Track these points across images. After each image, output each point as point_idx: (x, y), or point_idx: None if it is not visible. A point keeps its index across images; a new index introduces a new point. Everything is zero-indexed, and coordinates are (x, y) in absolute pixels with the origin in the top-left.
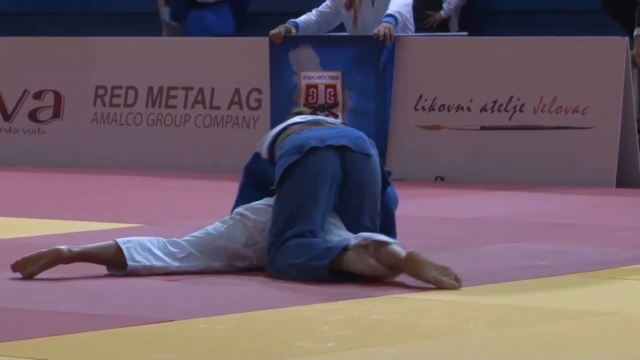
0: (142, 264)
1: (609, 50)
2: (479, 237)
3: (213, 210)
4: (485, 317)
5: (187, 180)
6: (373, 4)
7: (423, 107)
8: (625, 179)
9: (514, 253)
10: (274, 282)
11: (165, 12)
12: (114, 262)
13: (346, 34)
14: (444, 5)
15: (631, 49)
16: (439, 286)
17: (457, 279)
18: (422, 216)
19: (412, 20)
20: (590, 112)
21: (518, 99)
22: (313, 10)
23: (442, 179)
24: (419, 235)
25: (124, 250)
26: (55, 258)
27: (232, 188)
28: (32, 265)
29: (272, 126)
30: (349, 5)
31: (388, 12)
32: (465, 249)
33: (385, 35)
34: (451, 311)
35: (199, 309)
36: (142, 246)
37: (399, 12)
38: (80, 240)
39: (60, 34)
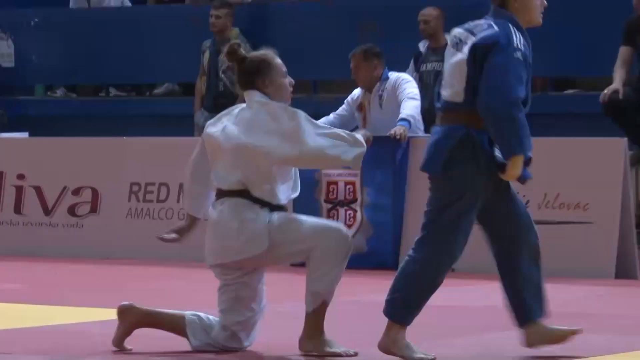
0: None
1: (608, 150)
2: (489, 325)
3: None
4: None
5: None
6: (381, 106)
7: None
8: (624, 271)
9: None
10: None
11: (199, 116)
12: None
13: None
14: None
15: (630, 148)
16: None
17: None
18: (433, 305)
19: (421, 121)
20: (590, 208)
21: (524, 196)
22: (331, 114)
23: (453, 269)
24: (434, 322)
25: (188, 331)
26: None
27: None
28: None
29: None
30: (361, 108)
31: (402, 116)
32: (474, 336)
33: (401, 135)
34: None
35: None
36: (202, 326)
37: (412, 116)
38: (112, 327)
39: (98, 134)
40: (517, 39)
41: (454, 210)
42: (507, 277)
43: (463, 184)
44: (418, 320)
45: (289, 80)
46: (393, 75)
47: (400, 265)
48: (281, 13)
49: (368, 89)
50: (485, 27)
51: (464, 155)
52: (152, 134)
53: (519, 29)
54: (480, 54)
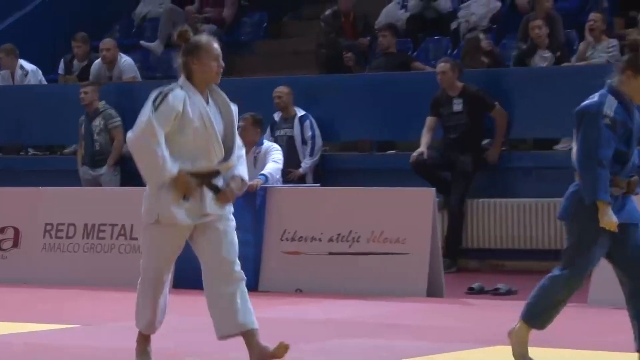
0: None
1: (421, 198)
2: (329, 334)
3: (131, 314)
4: None
5: (114, 292)
6: (255, 165)
7: (287, 238)
8: (433, 291)
9: (358, 346)
10: None
11: (82, 171)
12: None
13: None
14: (302, 165)
15: (437, 197)
16: None
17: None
18: (285, 318)
19: (280, 178)
20: (407, 242)
21: (356, 232)
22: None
23: (301, 291)
24: (280, 334)
25: None
26: None
27: None
28: None
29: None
30: None
31: (262, 172)
32: (318, 342)
33: (253, 186)
34: None
35: None
36: None
37: (270, 173)
38: (36, 338)
39: (19, 185)
40: (610, 107)
41: (581, 247)
42: (632, 308)
43: (585, 229)
44: (275, 331)
45: (218, 64)
46: (267, 142)
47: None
48: (137, 89)
49: (248, 149)
50: (590, 97)
51: (584, 206)
52: (61, 184)
53: (620, 99)
54: (576, 121)
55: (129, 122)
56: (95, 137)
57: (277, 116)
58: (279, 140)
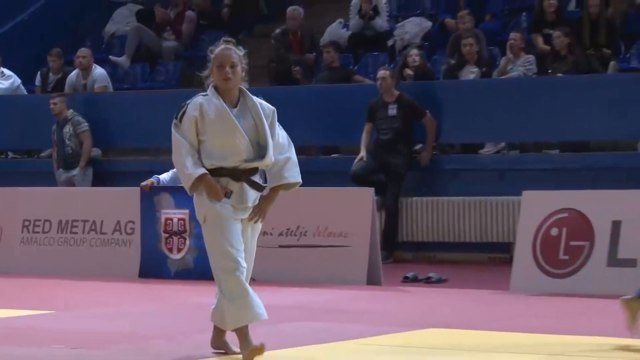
0: None
1: (361, 197)
2: (282, 317)
3: (105, 301)
4: None
5: (86, 282)
6: None
7: None
8: (372, 280)
9: (308, 328)
10: None
11: (58, 174)
12: None
13: None
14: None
15: (376, 196)
16: None
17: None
18: None
19: None
20: (349, 236)
21: (303, 227)
22: (170, 171)
23: (255, 280)
24: None
25: None
26: None
27: (117, 287)
28: None
29: (143, 250)
30: None
31: None
32: (272, 325)
33: None
34: None
35: None
36: None
37: None
38: (16, 322)
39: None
40: None
41: None
42: None
43: None
44: None
45: (223, 70)
46: None
47: None
48: (121, 100)
49: None
50: None
51: None
52: (38, 185)
53: None
54: None
55: (95, 129)
56: (67, 142)
57: None
58: None
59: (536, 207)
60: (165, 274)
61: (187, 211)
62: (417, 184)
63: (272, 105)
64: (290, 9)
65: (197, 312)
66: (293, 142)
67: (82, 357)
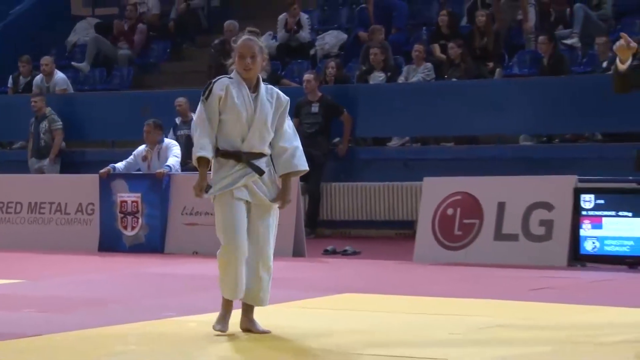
0: None
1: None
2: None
3: (68, 271)
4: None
5: (52, 255)
6: (159, 158)
7: (186, 213)
8: (298, 252)
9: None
10: None
11: (31, 162)
12: None
13: (142, 172)
14: None
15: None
16: None
17: None
18: (185, 274)
19: (179, 167)
20: (280, 215)
21: None
22: (124, 161)
23: (197, 253)
24: (182, 285)
25: None
26: None
27: (79, 260)
28: None
29: (102, 227)
30: (145, 159)
31: (166, 163)
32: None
33: (160, 173)
34: None
35: None
36: None
37: (172, 165)
38: None
39: None
40: None
41: None
42: None
43: None
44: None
45: (244, 61)
46: (167, 140)
47: None
48: (82, 100)
49: (151, 147)
50: None
51: None
52: (12, 172)
53: None
54: None
55: (64, 124)
56: (42, 136)
57: (178, 120)
58: (180, 139)
59: (435, 191)
60: (121, 248)
61: (139, 194)
62: (336, 171)
63: None
64: (227, 22)
65: (147, 280)
66: None
67: (49, 319)
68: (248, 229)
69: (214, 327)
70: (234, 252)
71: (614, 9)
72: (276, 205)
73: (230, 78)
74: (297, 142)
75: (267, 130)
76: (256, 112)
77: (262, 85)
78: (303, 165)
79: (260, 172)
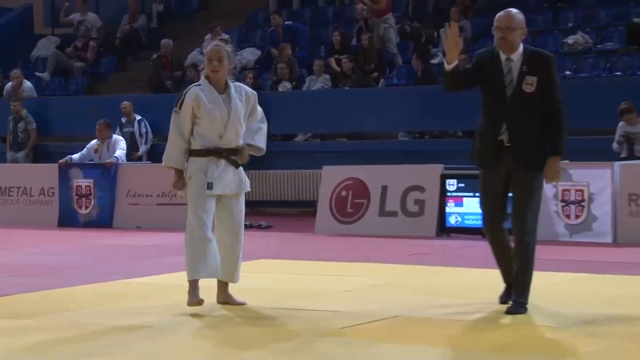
0: None
1: None
2: (159, 253)
3: (33, 243)
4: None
5: (19, 230)
6: (108, 150)
7: (131, 195)
8: None
9: (180, 261)
10: None
11: (8, 155)
12: None
13: (94, 162)
14: (140, 150)
15: None
16: None
17: None
18: (130, 244)
19: (125, 158)
20: None
21: (175, 191)
22: (79, 153)
23: (139, 227)
24: (128, 255)
25: None
26: None
27: (42, 234)
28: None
29: (61, 207)
30: (96, 152)
31: (115, 155)
32: (151, 259)
33: (111, 163)
34: None
35: None
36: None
37: (119, 156)
38: None
39: None
40: None
41: None
42: None
43: None
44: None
45: (212, 63)
46: (115, 136)
47: None
48: (45, 103)
49: (102, 142)
50: None
51: None
52: None
53: None
54: None
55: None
56: (19, 134)
57: (123, 120)
58: (125, 135)
59: (332, 177)
60: (77, 224)
61: (92, 180)
62: (253, 161)
63: (152, 107)
64: (163, 40)
65: (100, 250)
66: (166, 132)
67: (17, 282)
68: (224, 215)
69: (188, 303)
70: (203, 237)
71: (472, 32)
72: (244, 193)
73: (198, 85)
74: (264, 125)
75: (241, 125)
76: (230, 111)
77: (231, 85)
78: (261, 143)
79: (237, 165)
